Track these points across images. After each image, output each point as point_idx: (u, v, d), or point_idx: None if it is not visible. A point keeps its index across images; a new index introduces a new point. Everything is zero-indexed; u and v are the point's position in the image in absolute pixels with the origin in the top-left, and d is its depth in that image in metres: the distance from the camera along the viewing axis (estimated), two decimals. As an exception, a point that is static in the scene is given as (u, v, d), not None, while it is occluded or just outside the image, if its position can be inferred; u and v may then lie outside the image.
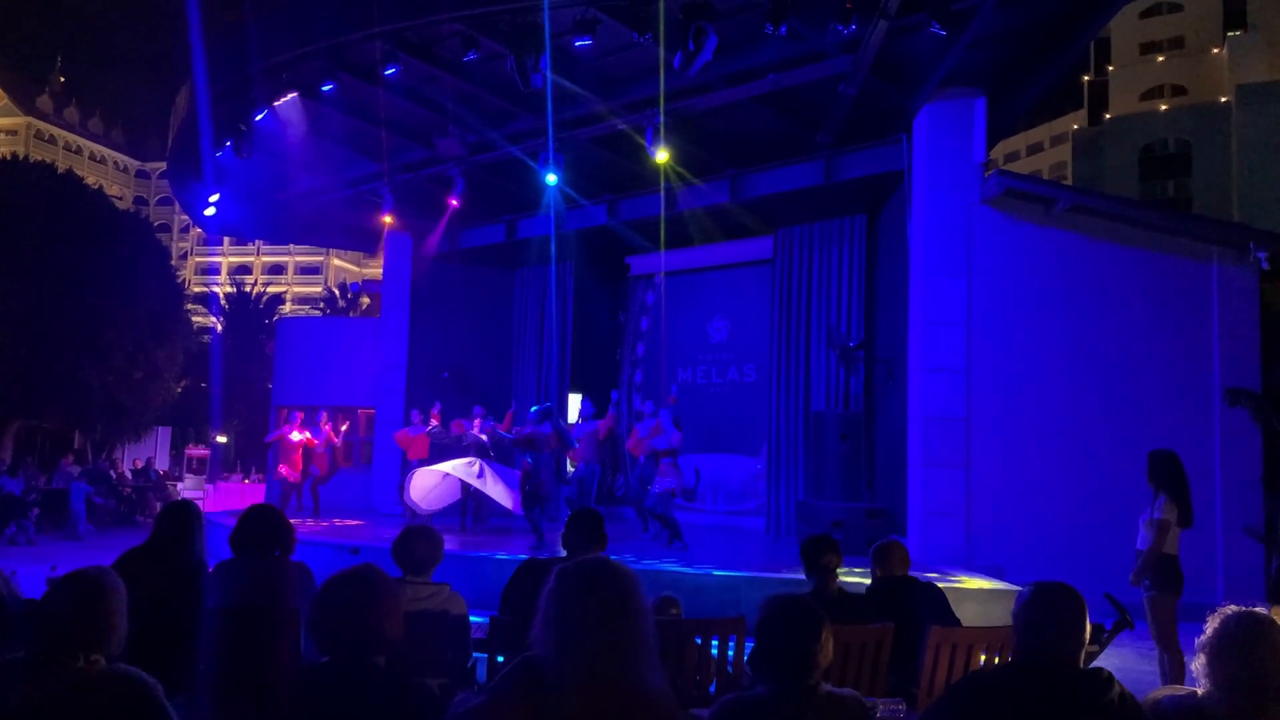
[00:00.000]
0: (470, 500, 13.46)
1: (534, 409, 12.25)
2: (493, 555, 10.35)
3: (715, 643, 4.41)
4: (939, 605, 4.80)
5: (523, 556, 9.53)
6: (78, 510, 17.90)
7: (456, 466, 12.85)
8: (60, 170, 26.41)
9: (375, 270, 32.37)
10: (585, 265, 17.81)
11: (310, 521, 13.81)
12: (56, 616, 2.60)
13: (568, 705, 2.22)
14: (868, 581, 5.13)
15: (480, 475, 12.76)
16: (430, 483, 13.21)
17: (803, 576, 4.84)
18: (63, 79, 79.56)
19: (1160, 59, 52.37)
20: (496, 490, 12.73)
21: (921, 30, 9.76)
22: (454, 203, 15.10)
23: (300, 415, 15.60)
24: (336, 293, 52.09)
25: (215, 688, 3.65)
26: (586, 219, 16.28)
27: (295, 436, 15.08)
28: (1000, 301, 11.20)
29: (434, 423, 14.87)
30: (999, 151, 51.75)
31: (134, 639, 2.78)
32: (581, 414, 13.49)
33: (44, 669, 2.53)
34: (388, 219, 16.45)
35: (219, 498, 24.23)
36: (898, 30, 10.02)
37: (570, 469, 13.49)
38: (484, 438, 13.68)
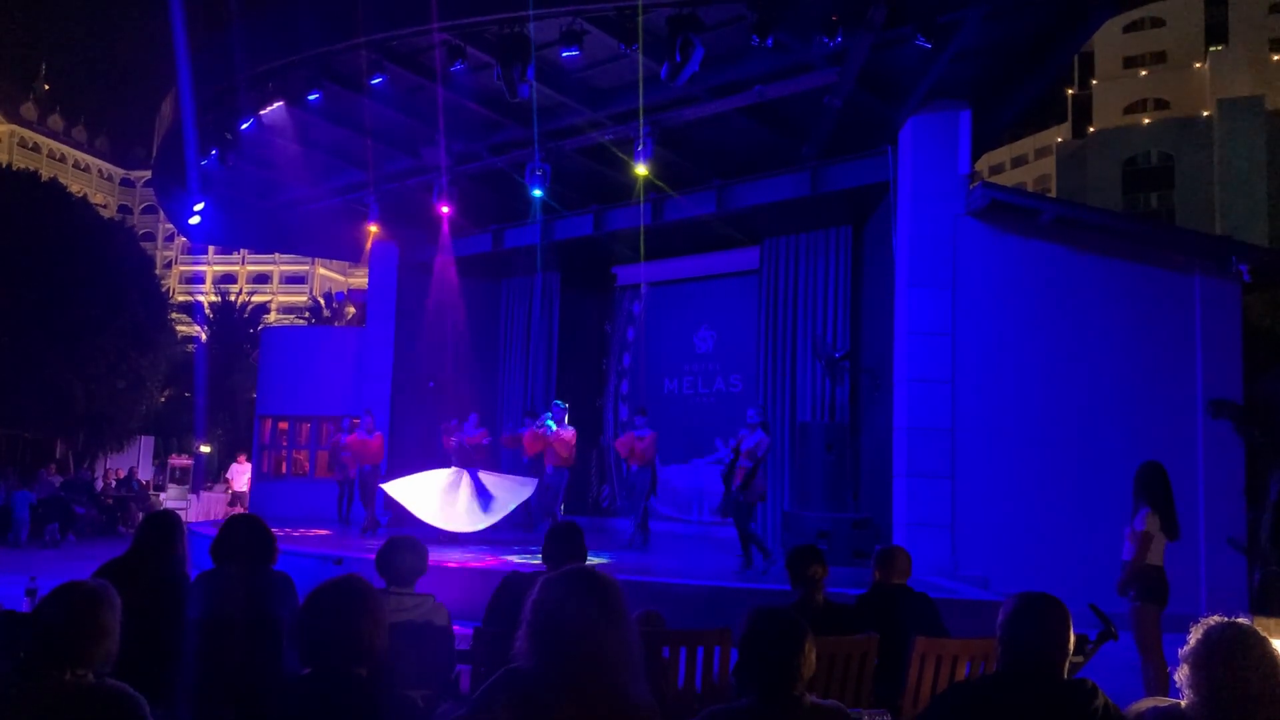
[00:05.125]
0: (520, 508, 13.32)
1: (754, 414, 11.28)
2: (479, 567, 10.30)
3: (700, 654, 4.40)
4: (930, 616, 4.80)
5: (509, 567, 9.48)
6: (21, 518, 17.65)
7: (439, 481, 12.75)
8: (44, 178, 26.27)
9: (361, 280, 32.32)
10: (572, 275, 17.80)
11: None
12: (47, 627, 2.56)
13: (552, 716, 2.21)
14: (851, 591, 5.12)
15: (455, 486, 12.70)
16: (421, 496, 13.03)
17: (789, 588, 4.83)
18: (47, 86, 79.27)
19: (1143, 73, 52.85)
20: (500, 491, 12.66)
21: (907, 43, 9.83)
22: (445, 210, 15.01)
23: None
24: (322, 302, 51.94)
25: (197, 699, 3.62)
26: (573, 229, 16.28)
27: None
28: (985, 313, 11.25)
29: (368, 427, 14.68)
30: (984, 164, 52.08)
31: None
32: (554, 417, 13.36)
33: (28, 680, 2.50)
34: (373, 228, 16.41)
35: (202, 508, 24.06)
36: (883, 43, 10.08)
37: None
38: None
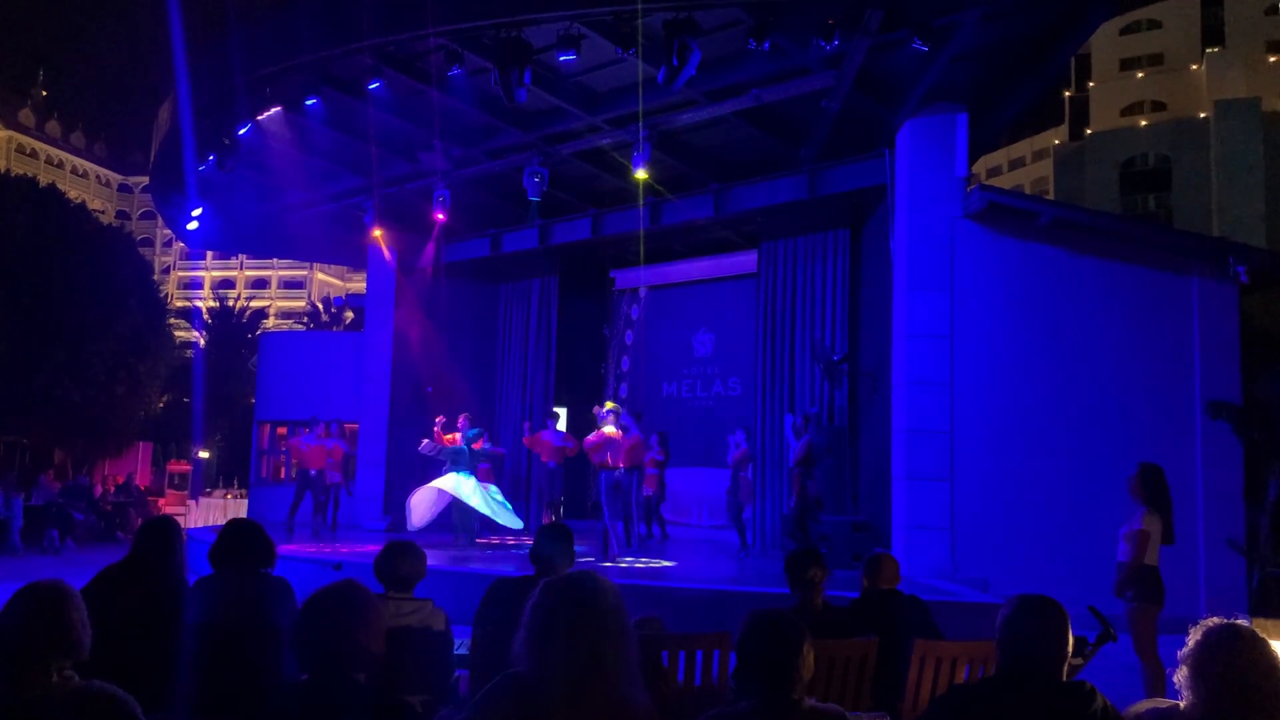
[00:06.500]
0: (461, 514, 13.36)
1: (805, 417, 11.07)
2: (478, 571, 10.29)
3: (700, 658, 4.40)
4: (923, 619, 4.80)
5: (508, 570, 9.45)
6: (14, 526, 17.59)
7: (446, 483, 12.78)
8: (42, 185, 26.27)
9: (359, 284, 32.39)
10: (570, 279, 17.79)
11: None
12: (17, 629, 2.54)
13: (550, 721, 2.21)
14: (851, 595, 5.12)
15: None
16: (425, 500, 13.08)
17: (788, 591, 4.83)
18: (45, 92, 79.15)
19: (1140, 75, 52.92)
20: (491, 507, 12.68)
21: (904, 46, 9.82)
22: (440, 217, 15.01)
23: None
24: (320, 307, 51.88)
25: (195, 705, 3.61)
26: (571, 233, 16.29)
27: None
28: (983, 315, 11.25)
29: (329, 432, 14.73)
30: (981, 166, 52.07)
31: (112, 656, 2.75)
32: (625, 424, 12.99)
33: (14, 686, 2.48)
34: (372, 233, 16.40)
35: (201, 513, 24.04)
36: (880, 46, 10.09)
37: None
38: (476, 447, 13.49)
